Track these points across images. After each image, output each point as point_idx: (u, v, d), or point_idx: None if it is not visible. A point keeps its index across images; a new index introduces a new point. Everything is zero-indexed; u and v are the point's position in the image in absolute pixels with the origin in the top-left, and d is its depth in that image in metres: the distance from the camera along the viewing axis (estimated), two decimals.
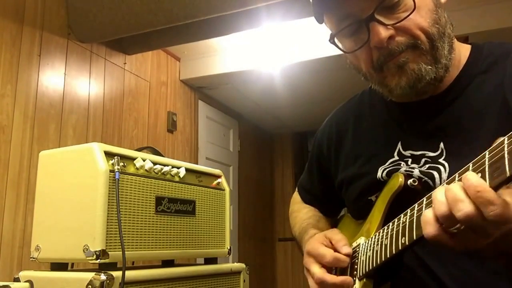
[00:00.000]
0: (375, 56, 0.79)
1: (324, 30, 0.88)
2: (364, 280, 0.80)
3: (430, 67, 0.77)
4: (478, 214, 0.53)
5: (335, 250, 0.85)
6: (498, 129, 0.55)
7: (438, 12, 0.79)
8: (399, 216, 0.71)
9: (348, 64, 0.89)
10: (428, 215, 0.59)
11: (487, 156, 0.54)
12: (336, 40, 0.84)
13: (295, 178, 5.24)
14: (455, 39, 0.84)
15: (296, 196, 1.20)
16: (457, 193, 0.54)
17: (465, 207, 0.53)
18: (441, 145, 0.82)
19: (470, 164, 0.57)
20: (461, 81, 0.83)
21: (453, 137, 0.81)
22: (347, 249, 0.84)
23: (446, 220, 0.56)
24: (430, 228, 0.58)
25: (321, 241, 0.88)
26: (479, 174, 0.54)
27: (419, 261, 0.82)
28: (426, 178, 0.81)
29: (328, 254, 0.84)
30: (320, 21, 0.85)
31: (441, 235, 0.58)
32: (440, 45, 0.78)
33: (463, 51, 0.85)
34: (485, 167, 0.53)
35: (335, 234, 0.88)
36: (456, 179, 0.58)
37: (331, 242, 0.87)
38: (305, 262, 0.89)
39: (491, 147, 0.53)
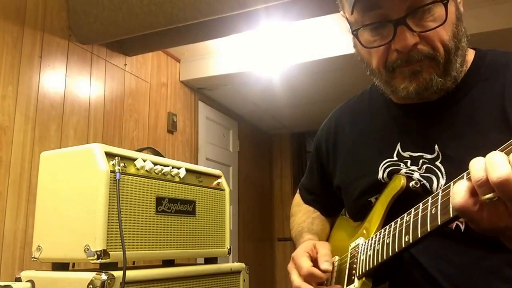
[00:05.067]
0: (392, 58, 0.79)
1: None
2: (364, 279, 0.80)
3: (440, 79, 0.78)
4: None
5: (317, 263, 0.87)
6: (500, 139, 0.54)
7: (458, 25, 0.79)
8: (402, 216, 0.71)
9: (356, 55, 0.88)
10: (460, 185, 0.56)
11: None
12: (358, 32, 0.82)
13: (294, 178, 5.25)
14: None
15: (296, 198, 1.21)
16: (498, 158, 0.53)
17: (503, 170, 0.51)
18: (436, 147, 0.82)
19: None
20: (462, 87, 0.83)
21: (448, 141, 0.81)
22: (326, 266, 0.86)
23: (481, 186, 0.53)
24: (458, 197, 0.55)
25: (307, 250, 0.91)
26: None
27: (412, 259, 0.82)
28: (424, 181, 0.82)
29: (305, 267, 0.87)
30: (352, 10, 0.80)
31: (470, 205, 0.55)
32: (454, 59, 0.78)
33: (467, 55, 0.85)
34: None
35: (322, 248, 0.91)
36: (465, 177, 0.57)
37: (317, 253, 0.90)
38: (289, 267, 0.92)
39: (502, 147, 0.53)
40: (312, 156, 1.13)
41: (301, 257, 0.89)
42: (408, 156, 0.86)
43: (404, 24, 0.75)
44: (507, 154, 0.54)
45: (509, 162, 0.52)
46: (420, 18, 0.75)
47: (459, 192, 0.56)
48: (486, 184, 0.53)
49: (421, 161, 0.84)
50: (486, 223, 0.56)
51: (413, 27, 0.75)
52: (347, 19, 0.86)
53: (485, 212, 0.55)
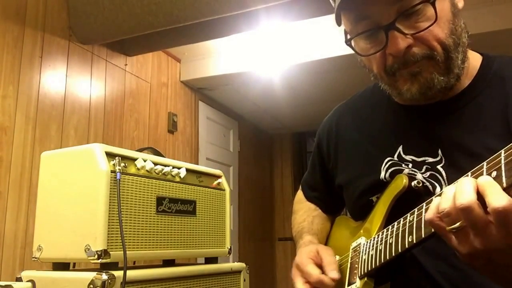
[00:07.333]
0: (389, 62, 0.79)
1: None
2: (365, 279, 0.80)
3: (442, 77, 0.78)
4: (479, 205, 0.52)
5: (323, 271, 0.87)
6: (499, 150, 0.54)
7: (455, 21, 0.78)
8: (405, 216, 0.71)
9: (359, 62, 0.89)
10: (433, 204, 0.59)
11: (503, 155, 0.53)
12: (352, 41, 0.83)
13: (294, 178, 5.26)
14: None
15: (298, 194, 1.21)
16: (464, 186, 0.54)
17: (466, 197, 0.52)
18: (440, 151, 0.82)
19: (485, 163, 0.56)
20: (468, 93, 0.83)
21: (451, 146, 0.81)
22: (334, 274, 0.85)
23: (444, 217, 0.56)
24: (430, 212, 0.58)
25: (311, 256, 0.90)
26: (495, 173, 0.53)
27: (413, 260, 0.82)
28: (427, 184, 0.82)
29: (314, 275, 0.86)
30: (339, 22, 0.83)
31: (437, 221, 0.57)
32: (454, 55, 0.78)
33: (473, 61, 0.85)
34: (501, 165, 0.53)
35: (327, 256, 0.90)
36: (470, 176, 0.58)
37: (321, 260, 0.89)
38: (293, 274, 0.92)
39: (507, 147, 0.53)
40: (313, 152, 1.13)
41: (307, 264, 0.89)
42: (411, 159, 0.85)
43: (394, 28, 0.75)
44: (476, 177, 0.54)
45: (476, 188, 0.53)
46: (411, 20, 0.75)
47: (431, 208, 0.59)
48: (448, 215, 0.55)
49: (424, 167, 0.83)
50: (453, 245, 0.58)
51: (404, 30, 0.75)
52: (344, 29, 0.87)
53: (453, 235, 0.57)
